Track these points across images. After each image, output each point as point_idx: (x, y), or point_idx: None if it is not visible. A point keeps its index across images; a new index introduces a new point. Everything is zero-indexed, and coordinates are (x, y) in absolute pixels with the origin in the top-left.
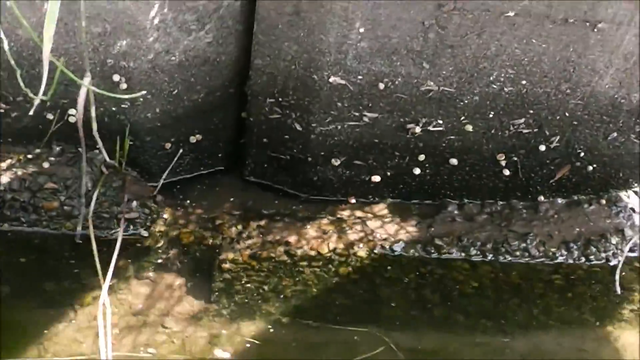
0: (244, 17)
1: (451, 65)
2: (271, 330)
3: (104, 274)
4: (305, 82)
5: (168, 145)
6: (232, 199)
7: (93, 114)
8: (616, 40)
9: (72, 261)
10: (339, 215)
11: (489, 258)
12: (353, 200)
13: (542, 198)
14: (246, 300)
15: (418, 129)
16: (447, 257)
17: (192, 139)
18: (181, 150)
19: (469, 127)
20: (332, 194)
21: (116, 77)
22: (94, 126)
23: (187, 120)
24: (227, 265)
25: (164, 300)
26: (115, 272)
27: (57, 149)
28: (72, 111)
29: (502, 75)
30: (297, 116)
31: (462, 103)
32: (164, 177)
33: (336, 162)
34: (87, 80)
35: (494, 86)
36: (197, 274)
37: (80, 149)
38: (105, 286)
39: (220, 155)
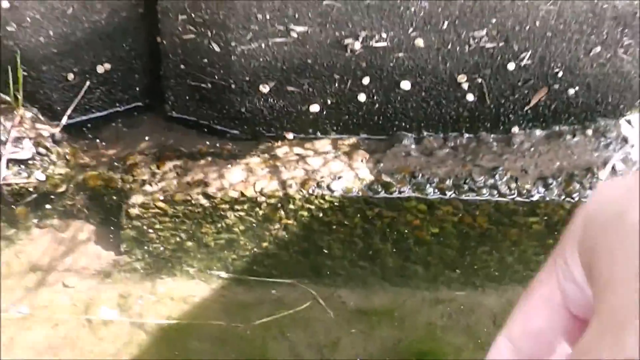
0: None
1: None
2: (191, 285)
3: None
4: None
5: (71, 77)
6: (151, 139)
7: None
8: None
9: None
10: (272, 153)
11: (449, 196)
12: (290, 136)
13: (516, 129)
14: (161, 252)
15: (358, 45)
16: (399, 197)
17: (100, 69)
18: (88, 83)
19: (420, 42)
20: (266, 129)
21: None
22: None
23: (90, 46)
24: (135, 211)
25: (67, 253)
26: (14, 220)
27: None
28: None
29: None
30: (213, 34)
31: (408, 11)
32: (68, 113)
33: (265, 88)
34: None
35: None
36: (105, 223)
37: None
38: None
39: (137, 88)
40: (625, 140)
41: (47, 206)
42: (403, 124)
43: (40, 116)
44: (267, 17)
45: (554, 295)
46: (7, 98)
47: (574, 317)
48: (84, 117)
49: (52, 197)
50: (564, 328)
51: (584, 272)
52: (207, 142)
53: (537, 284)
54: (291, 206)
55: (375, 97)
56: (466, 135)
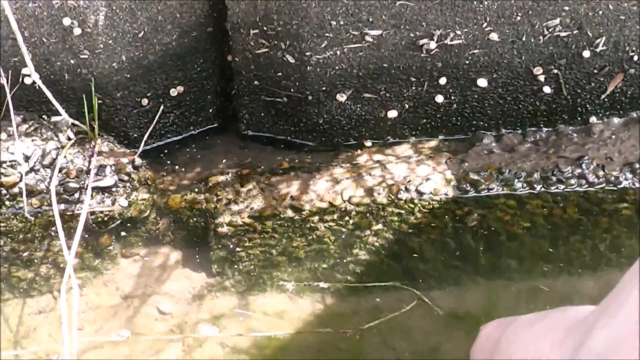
0: None
1: None
2: (286, 299)
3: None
4: (290, 0)
5: (145, 102)
6: (228, 159)
7: (27, 58)
8: None
9: (45, 242)
10: (354, 162)
11: (538, 190)
12: (369, 144)
13: (594, 119)
14: (253, 269)
15: (433, 45)
16: (487, 195)
17: (173, 92)
18: (162, 107)
19: (494, 36)
20: (344, 139)
21: (67, 21)
22: (32, 70)
23: (162, 70)
24: (224, 230)
25: (157, 279)
26: (99, 251)
27: (18, 118)
28: (25, 70)
29: None
30: (287, 46)
31: (481, 5)
32: (145, 138)
33: (342, 97)
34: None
35: None
36: (193, 245)
37: (44, 117)
38: (69, 267)
39: (210, 110)
40: None
41: (131, 233)
42: (481, 123)
43: (117, 144)
44: (342, 23)
45: None
46: (84, 127)
47: None
48: (160, 143)
49: (137, 223)
50: None
51: None
52: (286, 157)
53: None
54: (381, 212)
55: (452, 98)
56: (544, 129)
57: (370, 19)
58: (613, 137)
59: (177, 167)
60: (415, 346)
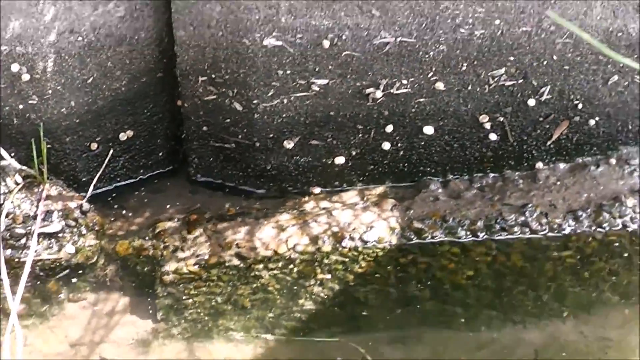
0: None
1: (406, 9)
2: (231, 349)
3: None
4: (237, 49)
5: (94, 146)
6: (177, 204)
7: None
8: None
9: None
10: (301, 209)
11: (482, 238)
12: (317, 190)
13: (540, 165)
14: (198, 317)
15: (379, 94)
16: (432, 242)
17: (122, 137)
18: (111, 151)
19: (440, 85)
20: (292, 185)
21: (15, 67)
22: None
23: (111, 115)
24: (170, 278)
25: (103, 325)
26: (46, 296)
27: None
28: None
29: (470, 15)
30: (234, 93)
31: (427, 56)
32: (94, 182)
33: (289, 144)
34: None
35: (462, 30)
36: (139, 292)
37: None
38: (13, 315)
39: (160, 154)
40: None
41: (79, 279)
42: (428, 169)
43: (66, 188)
44: (288, 72)
45: None
46: (32, 171)
47: None
48: (109, 187)
49: (84, 269)
50: None
51: None
52: (235, 203)
53: None
54: (325, 261)
55: (399, 145)
56: (491, 174)
57: (317, 69)
58: (558, 183)
59: (125, 211)
60: None
